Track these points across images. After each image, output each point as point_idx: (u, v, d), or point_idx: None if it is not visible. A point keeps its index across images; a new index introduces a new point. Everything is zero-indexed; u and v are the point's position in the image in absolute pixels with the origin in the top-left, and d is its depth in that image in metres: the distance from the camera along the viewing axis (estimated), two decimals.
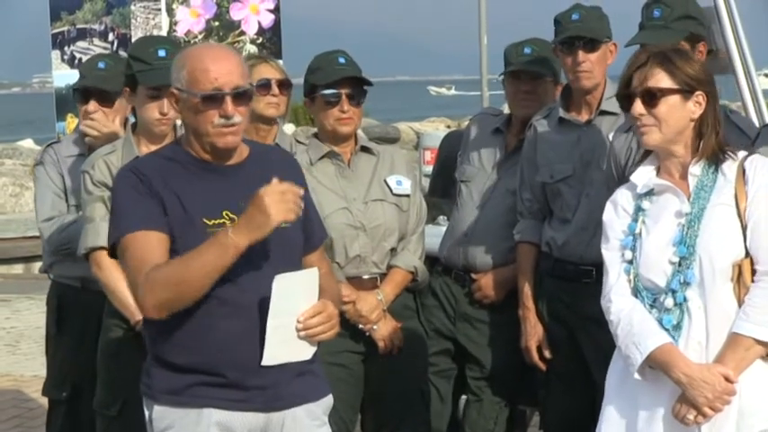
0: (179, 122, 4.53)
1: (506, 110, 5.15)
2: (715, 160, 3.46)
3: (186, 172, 3.37)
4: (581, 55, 4.39)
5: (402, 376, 4.52)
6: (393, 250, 4.55)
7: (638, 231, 3.47)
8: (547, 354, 4.58)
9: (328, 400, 3.51)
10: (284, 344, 3.27)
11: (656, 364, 3.37)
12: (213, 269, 3.19)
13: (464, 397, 4.99)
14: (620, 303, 3.45)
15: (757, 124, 4.30)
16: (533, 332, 4.58)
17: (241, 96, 3.32)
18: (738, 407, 3.35)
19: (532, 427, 5.52)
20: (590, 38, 4.40)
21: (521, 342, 4.62)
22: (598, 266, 4.34)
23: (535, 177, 4.58)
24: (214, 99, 3.29)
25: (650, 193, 3.49)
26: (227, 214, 3.32)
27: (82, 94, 4.82)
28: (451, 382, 4.91)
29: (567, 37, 4.41)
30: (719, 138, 3.47)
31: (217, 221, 3.31)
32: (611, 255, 3.52)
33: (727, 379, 3.32)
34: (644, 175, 3.50)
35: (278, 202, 3.18)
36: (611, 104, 4.47)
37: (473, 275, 4.81)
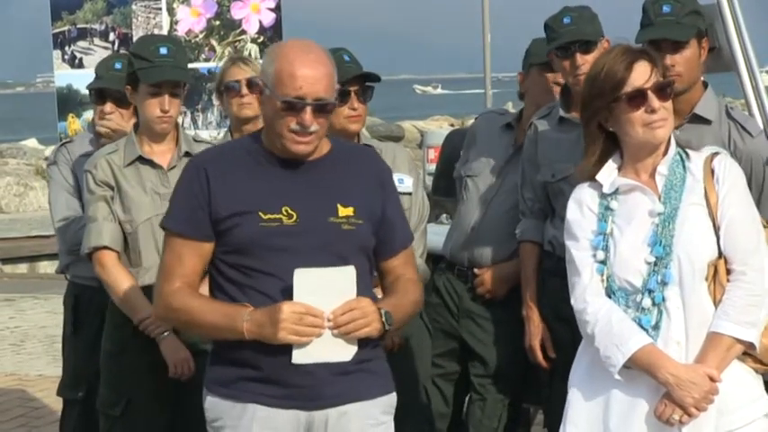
0: (180, 120, 4.53)
1: (511, 108, 5.14)
2: (680, 159, 3.46)
3: (256, 165, 3.37)
4: (579, 58, 4.36)
5: (402, 374, 4.51)
6: None
7: (608, 231, 3.45)
8: (551, 353, 4.57)
9: (389, 399, 3.47)
10: (318, 342, 3.21)
11: (638, 365, 3.36)
12: (218, 335, 3.35)
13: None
14: (596, 304, 3.42)
15: (760, 121, 4.29)
16: (537, 332, 4.57)
17: (321, 108, 3.30)
18: (717, 406, 3.35)
19: (536, 425, 5.52)
20: (586, 40, 4.38)
21: (525, 341, 4.61)
22: None
23: (536, 176, 4.58)
24: (294, 106, 3.27)
25: (616, 193, 3.47)
26: (286, 210, 3.30)
27: (98, 94, 4.82)
28: (454, 384, 4.91)
29: (564, 42, 4.39)
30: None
31: (273, 216, 3.29)
32: (582, 255, 3.48)
33: (712, 378, 3.32)
34: (608, 175, 3.48)
35: (292, 322, 3.17)
36: None
37: (476, 271, 4.80)
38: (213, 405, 3.38)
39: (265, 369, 3.28)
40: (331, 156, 3.43)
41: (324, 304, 3.21)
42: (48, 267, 13.90)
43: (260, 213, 3.29)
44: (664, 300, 3.36)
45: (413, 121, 32.78)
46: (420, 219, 4.62)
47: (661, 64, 3.48)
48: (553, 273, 4.54)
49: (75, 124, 5.97)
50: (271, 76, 3.30)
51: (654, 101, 3.36)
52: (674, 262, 3.35)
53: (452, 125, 30.14)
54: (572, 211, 3.54)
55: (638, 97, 3.37)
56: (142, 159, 4.39)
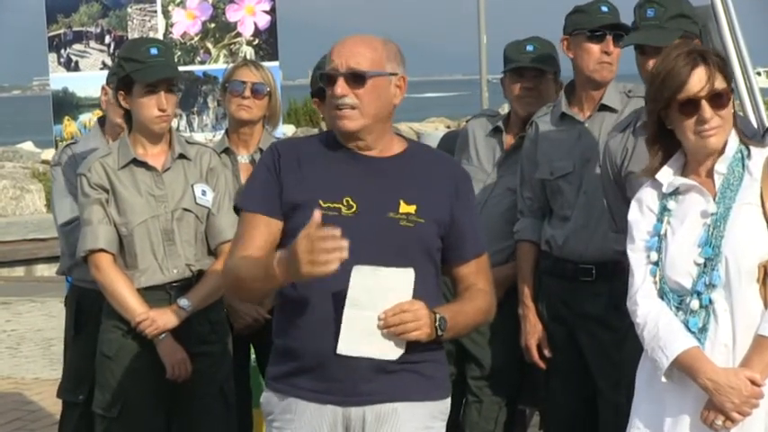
0: (174, 125, 4.53)
1: (503, 110, 5.15)
2: (742, 157, 3.39)
3: (327, 156, 3.35)
4: (611, 45, 4.39)
5: None
6: None
7: (663, 232, 3.39)
8: (547, 353, 4.57)
9: (440, 404, 3.38)
10: (365, 337, 3.18)
11: (682, 369, 3.30)
12: (261, 287, 3.30)
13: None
14: (646, 306, 3.37)
15: (754, 122, 4.29)
16: (533, 331, 4.58)
17: (354, 78, 3.24)
18: (766, 409, 3.28)
19: (533, 426, 5.52)
20: (621, 32, 4.37)
21: (521, 341, 4.62)
22: (597, 265, 4.36)
23: (535, 175, 4.58)
24: (329, 80, 3.27)
25: (675, 193, 3.41)
26: (347, 200, 3.28)
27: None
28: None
29: (601, 26, 4.39)
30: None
31: (332, 205, 3.27)
32: (637, 256, 3.43)
33: (754, 382, 3.25)
34: (669, 174, 3.42)
35: (307, 251, 3.04)
36: (612, 100, 4.47)
37: None
38: (266, 400, 3.38)
39: (307, 361, 3.26)
40: (404, 155, 3.39)
41: (378, 303, 3.18)
42: (44, 270, 13.89)
43: (320, 201, 3.26)
44: (711, 302, 3.29)
45: (409, 123, 32.80)
46: None
47: (721, 67, 3.37)
48: (549, 273, 4.55)
49: (71, 127, 5.95)
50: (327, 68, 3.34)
51: (706, 111, 3.29)
52: (721, 263, 3.29)
53: (449, 127, 30.15)
54: (633, 212, 3.49)
55: (690, 105, 3.30)
56: (136, 162, 4.40)
